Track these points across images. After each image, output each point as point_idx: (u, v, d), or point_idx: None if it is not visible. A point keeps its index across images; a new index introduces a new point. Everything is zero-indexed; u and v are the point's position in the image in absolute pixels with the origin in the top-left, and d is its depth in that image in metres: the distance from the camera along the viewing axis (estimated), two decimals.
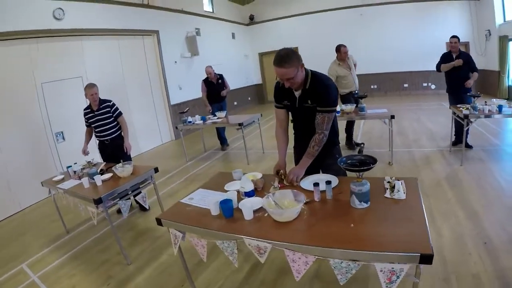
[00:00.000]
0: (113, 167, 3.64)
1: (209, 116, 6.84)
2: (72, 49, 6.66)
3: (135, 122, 7.82)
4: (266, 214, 2.01)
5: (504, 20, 9.73)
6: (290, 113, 2.73)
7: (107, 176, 3.56)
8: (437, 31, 11.47)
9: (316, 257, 1.65)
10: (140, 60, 8.50)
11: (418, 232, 1.63)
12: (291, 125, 2.81)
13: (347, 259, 1.59)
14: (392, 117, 4.90)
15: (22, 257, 3.77)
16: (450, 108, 5.48)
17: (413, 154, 5.64)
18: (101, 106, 4.32)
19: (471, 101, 4.85)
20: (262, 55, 14.83)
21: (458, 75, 5.42)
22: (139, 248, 3.62)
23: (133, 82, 8.17)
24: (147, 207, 3.94)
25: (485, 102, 4.75)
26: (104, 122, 4.35)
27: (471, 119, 4.71)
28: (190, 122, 6.62)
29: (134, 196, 3.67)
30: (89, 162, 4.14)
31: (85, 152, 4.48)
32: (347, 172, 2.64)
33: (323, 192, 2.16)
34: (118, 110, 4.47)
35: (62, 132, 6.26)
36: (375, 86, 12.76)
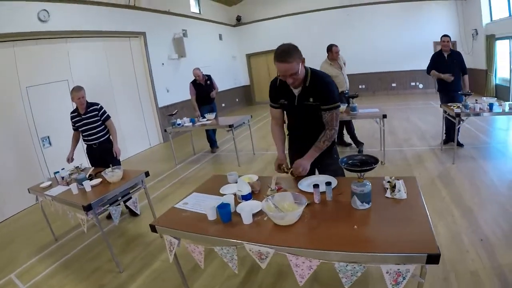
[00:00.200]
0: (102, 172, 3.53)
1: (199, 118, 6.75)
2: (58, 52, 6.50)
3: (123, 125, 7.68)
4: (265, 218, 1.95)
5: (491, 20, 9.87)
6: (285, 113, 2.66)
7: (96, 181, 3.45)
8: (424, 30, 11.62)
9: (321, 261, 1.60)
10: (127, 62, 8.36)
11: (423, 232, 1.61)
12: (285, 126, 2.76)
13: (353, 262, 1.54)
14: (384, 116, 4.89)
15: (10, 267, 3.62)
16: (440, 106, 5.51)
17: (405, 153, 5.65)
18: (88, 110, 4.20)
19: (462, 100, 4.88)
20: (249, 56, 14.79)
21: (450, 74, 5.43)
22: (131, 254, 3.52)
23: (120, 85, 8.03)
24: (138, 213, 3.83)
25: (476, 100, 4.79)
26: (92, 126, 4.23)
27: (463, 118, 4.74)
28: (179, 124, 6.52)
29: (125, 201, 3.57)
30: (77, 167, 4.02)
31: (70, 160, 4.34)
32: (345, 173, 2.61)
33: (322, 193, 2.11)
34: (106, 114, 4.36)
35: (48, 137, 6.09)
36: (363, 86, 12.82)
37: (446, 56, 5.45)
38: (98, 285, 3.07)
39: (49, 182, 3.79)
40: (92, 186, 3.35)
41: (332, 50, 5.73)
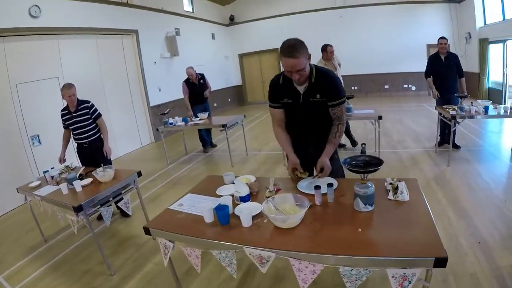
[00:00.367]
0: (93, 171, 3.40)
1: (191, 117, 6.66)
2: (48, 48, 6.36)
3: (114, 124, 7.54)
4: (265, 220, 1.88)
5: (485, 23, 9.97)
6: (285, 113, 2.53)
7: (87, 181, 3.35)
8: (417, 33, 11.70)
9: (325, 265, 1.55)
10: (119, 60, 8.24)
11: (428, 235, 1.58)
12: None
13: (358, 266, 1.50)
14: (380, 117, 4.88)
15: None
16: (436, 109, 5.51)
17: (400, 155, 5.64)
18: (79, 107, 4.09)
19: (458, 102, 4.88)
20: (242, 56, 14.73)
21: (446, 77, 5.46)
22: (122, 256, 3.42)
23: (111, 83, 7.90)
24: (130, 214, 3.73)
25: (471, 103, 4.80)
26: (83, 124, 4.12)
27: (458, 120, 4.74)
28: (171, 123, 6.43)
29: (116, 202, 3.48)
30: (67, 166, 3.90)
31: (62, 161, 4.23)
32: (345, 173, 2.55)
33: (323, 195, 2.05)
34: (97, 112, 4.25)
35: (38, 135, 5.94)
36: (356, 87, 12.82)
37: (443, 58, 5.44)
38: None
39: (38, 182, 3.67)
40: (83, 186, 3.24)
41: (326, 50, 5.69)
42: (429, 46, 11.63)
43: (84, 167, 4.01)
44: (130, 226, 4.14)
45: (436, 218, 3.35)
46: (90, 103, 4.20)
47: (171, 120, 6.45)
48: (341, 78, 5.87)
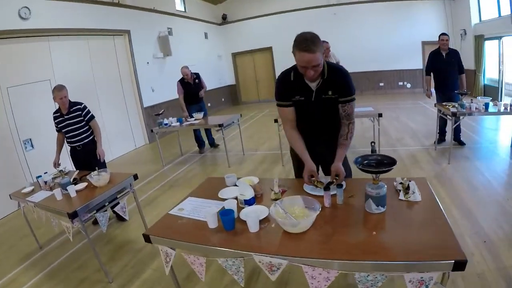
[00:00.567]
0: (87, 175, 3.31)
1: (187, 117, 6.56)
2: (39, 51, 6.21)
3: (107, 126, 7.39)
4: (273, 225, 1.79)
5: (480, 20, 9.97)
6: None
7: (81, 186, 3.24)
8: (412, 30, 11.69)
9: (340, 271, 1.47)
10: (111, 61, 8.10)
11: (445, 236, 1.53)
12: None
13: (375, 272, 1.43)
14: (380, 115, 4.82)
15: None
16: (435, 106, 5.48)
17: (399, 153, 5.59)
18: (71, 110, 3.96)
19: (459, 99, 4.84)
20: (235, 55, 14.63)
21: (448, 74, 5.43)
22: (120, 263, 3.31)
23: (104, 84, 7.75)
24: (127, 218, 3.62)
25: (471, 100, 4.76)
26: (75, 127, 4.00)
27: (459, 117, 4.71)
28: (166, 124, 6.32)
29: (112, 207, 3.36)
30: (60, 171, 3.79)
31: (56, 165, 4.11)
32: (352, 173, 2.47)
33: (332, 196, 1.97)
34: (90, 114, 4.13)
35: (30, 139, 5.80)
36: None
37: (444, 55, 5.42)
38: None
39: (32, 187, 3.54)
40: (77, 191, 3.13)
41: (322, 47, 5.60)
42: (424, 43, 11.64)
43: (78, 171, 3.89)
44: (126, 230, 4.03)
45: None
46: (83, 105, 4.08)
47: (165, 121, 6.34)
48: None
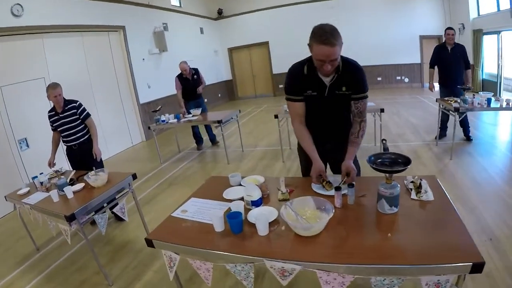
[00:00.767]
0: (84, 175, 3.20)
1: (184, 114, 6.46)
2: (33, 48, 6.07)
3: (103, 123, 7.29)
4: (283, 227, 1.71)
5: (478, 14, 9.90)
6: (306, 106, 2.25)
7: (78, 186, 3.13)
8: (410, 24, 11.63)
9: (356, 276, 1.40)
10: (106, 58, 7.96)
11: (461, 237, 1.47)
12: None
13: (392, 275, 1.37)
14: (382, 110, 4.76)
15: None
16: (436, 100, 5.44)
17: (401, 149, 5.52)
18: (66, 108, 3.86)
19: (462, 94, 4.79)
20: (231, 50, 14.51)
21: (453, 68, 5.38)
22: (120, 265, 3.23)
23: (99, 81, 7.63)
24: (127, 219, 3.52)
25: (473, 95, 4.71)
26: (71, 126, 3.89)
27: (461, 111, 4.66)
28: (163, 121, 6.21)
29: (111, 208, 3.27)
30: (57, 171, 3.69)
31: (52, 164, 4.00)
32: (361, 171, 2.39)
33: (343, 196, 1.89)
34: (86, 111, 4.01)
35: (25, 139, 5.67)
36: None
37: (449, 49, 5.36)
38: None
39: (27, 189, 3.43)
40: (74, 192, 3.02)
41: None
42: (422, 37, 11.60)
43: (74, 171, 3.79)
44: (126, 230, 3.95)
45: None
46: (78, 103, 3.97)
47: (163, 118, 6.24)
48: None
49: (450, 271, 1.33)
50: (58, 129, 3.93)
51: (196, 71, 6.72)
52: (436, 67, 5.58)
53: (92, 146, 4.02)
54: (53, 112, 3.90)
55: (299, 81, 2.14)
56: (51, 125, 3.98)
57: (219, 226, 1.77)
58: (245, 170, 5.37)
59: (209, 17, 13.72)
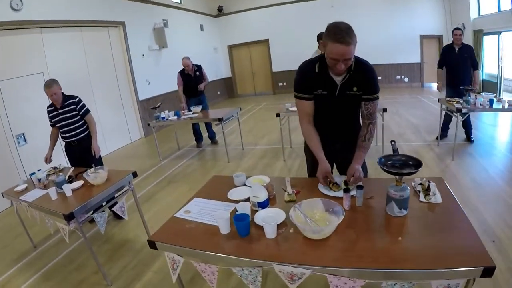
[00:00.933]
0: (83, 173, 3.12)
1: (184, 111, 6.40)
2: (32, 43, 6.00)
3: (102, 119, 7.22)
4: (291, 230, 1.66)
5: (479, 15, 9.87)
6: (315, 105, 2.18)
7: (77, 184, 3.06)
8: (410, 24, 11.60)
9: (366, 281, 1.37)
10: (106, 54, 7.89)
11: (471, 241, 1.45)
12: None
13: (403, 280, 1.35)
14: (384, 110, 4.73)
15: None
16: (438, 101, 5.42)
17: (402, 149, 5.48)
18: (65, 104, 3.78)
19: (469, 95, 4.76)
20: (231, 47, 14.43)
21: (459, 69, 5.35)
22: (119, 264, 3.17)
23: (98, 77, 7.56)
24: (126, 218, 3.46)
25: (476, 96, 4.68)
26: (70, 122, 3.83)
27: (463, 112, 4.63)
28: (163, 118, 6.15)
29: (110, 207, 3.21)
30: (55, 167, 3.63)
31: (48, 160, 3.94)
32: (368, 172, 2.35)
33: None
34: (85, 107, 3.94)
35: (23, 134, 5.61)
36: None
37: (457, 49, 5.33)
38: None
39: (25, 185, 3.36)
40: (73, 190, 2.96)
41: (323, 38, 5.46)
42: (422, 37, 11.56)
43: (73, 167, 3.73)
44: (125, 229, 3.89)
45: None
46: (77, 99, 3.89)
47: (162, 115, 6.17)
48: None
49: (461, 275, 1.31)
50: (57, 125, 3.87)
51: (199, 67, 6.65)
52: (444, 67, 5.55)
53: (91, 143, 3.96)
54: (52, 108, 3.83)
55: (310, 79, 2.07)
56: (50, 121, 3.91)
57: (225, 228, 1.72)
58: (245, 169, 5.32)
59: (209, 14, 13.66)
